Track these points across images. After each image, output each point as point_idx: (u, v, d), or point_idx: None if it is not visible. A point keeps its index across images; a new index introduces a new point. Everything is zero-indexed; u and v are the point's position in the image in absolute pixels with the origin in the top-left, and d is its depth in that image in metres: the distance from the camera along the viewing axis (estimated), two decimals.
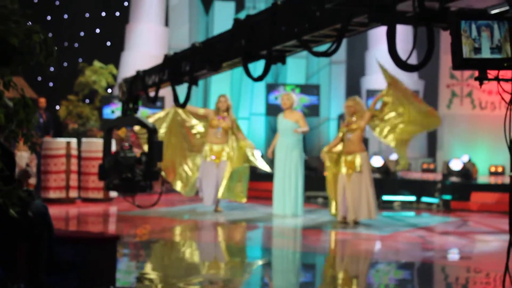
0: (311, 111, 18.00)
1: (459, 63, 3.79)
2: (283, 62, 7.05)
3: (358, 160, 11.44)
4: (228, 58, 7.58)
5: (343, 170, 11.52)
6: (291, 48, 6.81)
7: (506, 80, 3.91)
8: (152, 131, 9.97)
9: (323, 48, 6.18)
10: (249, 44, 7.06)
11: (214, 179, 12.72)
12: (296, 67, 19.66)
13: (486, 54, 3.79)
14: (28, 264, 5.67)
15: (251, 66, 7.25)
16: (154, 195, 12.63)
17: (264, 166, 12.98)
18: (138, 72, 10.16)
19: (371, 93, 17.97)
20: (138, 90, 10.14)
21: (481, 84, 3.87)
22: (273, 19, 6.53)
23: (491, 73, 3.90)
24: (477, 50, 3.79)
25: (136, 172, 9.85)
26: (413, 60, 4.90)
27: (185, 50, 9.06)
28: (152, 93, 9.78)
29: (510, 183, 4.09)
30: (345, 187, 11.47)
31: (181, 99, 9.04)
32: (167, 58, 9.33)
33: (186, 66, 8.73)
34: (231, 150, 12.80)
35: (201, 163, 12.91)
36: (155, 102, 9.79)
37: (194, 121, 13.17)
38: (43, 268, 5.70)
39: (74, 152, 14.16)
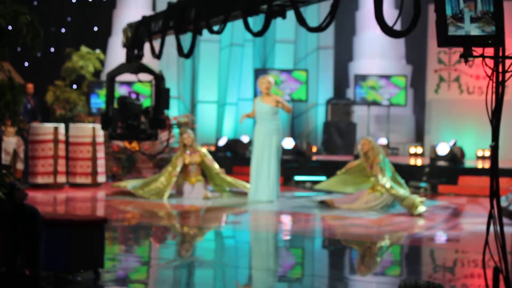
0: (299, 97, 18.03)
1: (444, 40, 3.81)
2: (283, 16, 6.94)
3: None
4: (229, 10, 7.48)
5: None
6: (290, 4, 6.70)
7: (491, 57, 3.94)
8: (159, 77, 9.53)
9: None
10: None
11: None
12: (284, 52, 19.64)
13: (467, 24, 3.81)
14: (26, 256, 5.70)
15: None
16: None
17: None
18: (144, 17, 9.89)
19: (359, 78, 18.00)
20: (144, 36, 9.80)
21: (466, 61, 3.88)
22: None
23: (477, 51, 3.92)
24: (459, 19, 3.79)
25: (141, 121, 9.54)
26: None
27: None
28: (157, 40, 9.47)
29: (491, 154, 4.13)
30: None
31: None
32: (170, 6, 9.03)
33: (191, 15, 8.51)
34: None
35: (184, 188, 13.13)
36: (159, 58, 9.48)
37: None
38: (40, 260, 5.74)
39: (61, 137, 14.12)
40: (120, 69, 10.10)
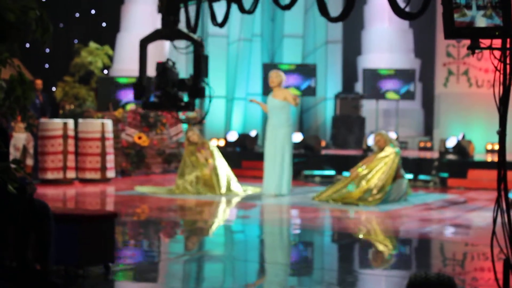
0: (307, 91, 18.01)
1: (451, 31, 3.80)
2: None
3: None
4: None
5: None
6: None
7: (498, 49, 3.93)
8: (198, 43, 9.04)
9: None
10: None
11: None
12: (292, 46, 19.61)
13: (474, 11, 3.80)
14: (38, 249, 5.75)
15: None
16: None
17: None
18: None
19: (367, 72, 17.97)
20: (179, 0, 9.38)
21: (473, 53, 3.88)
22: None
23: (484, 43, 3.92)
24: (470, 8, 3.78)
25: (177, 91, 9.06)
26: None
27: None
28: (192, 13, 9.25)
29: (499, 141, 4.15)
30: None
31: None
32: None
33: None
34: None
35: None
36: (195, 31, 9.14)
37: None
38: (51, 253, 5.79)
39: (71, 133, 14.14)
40: (154, 35, 9.49)
